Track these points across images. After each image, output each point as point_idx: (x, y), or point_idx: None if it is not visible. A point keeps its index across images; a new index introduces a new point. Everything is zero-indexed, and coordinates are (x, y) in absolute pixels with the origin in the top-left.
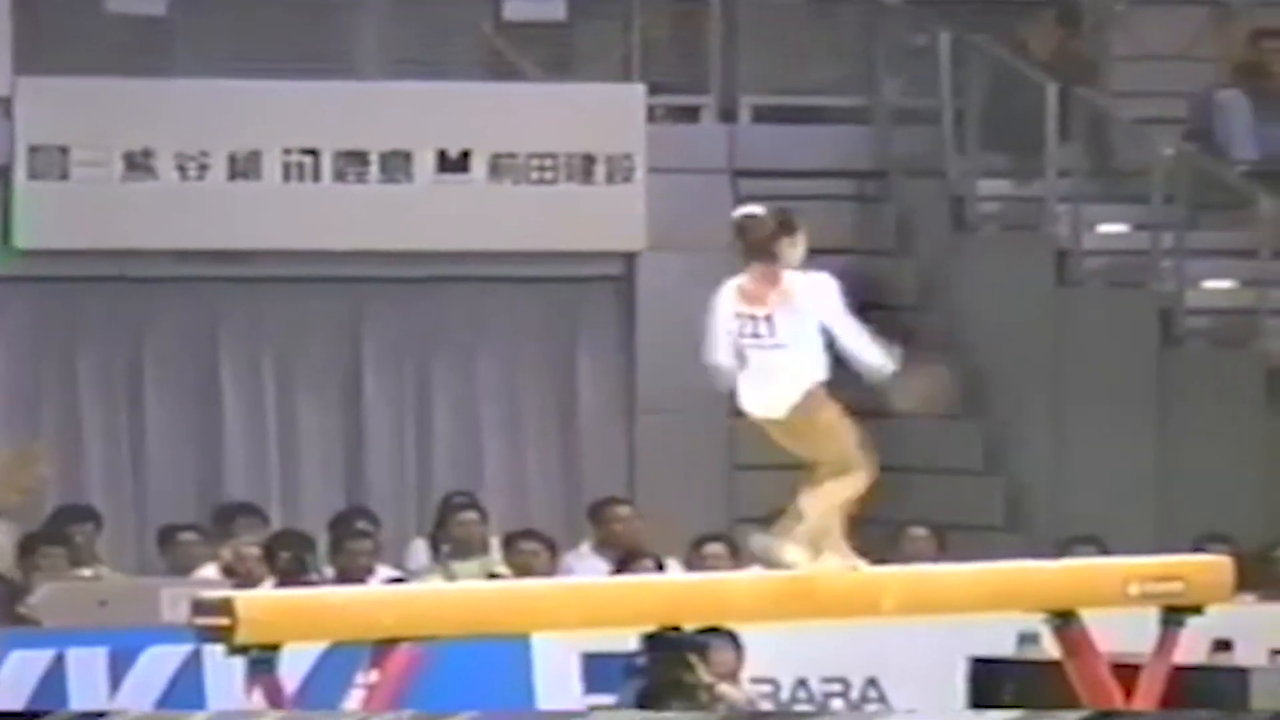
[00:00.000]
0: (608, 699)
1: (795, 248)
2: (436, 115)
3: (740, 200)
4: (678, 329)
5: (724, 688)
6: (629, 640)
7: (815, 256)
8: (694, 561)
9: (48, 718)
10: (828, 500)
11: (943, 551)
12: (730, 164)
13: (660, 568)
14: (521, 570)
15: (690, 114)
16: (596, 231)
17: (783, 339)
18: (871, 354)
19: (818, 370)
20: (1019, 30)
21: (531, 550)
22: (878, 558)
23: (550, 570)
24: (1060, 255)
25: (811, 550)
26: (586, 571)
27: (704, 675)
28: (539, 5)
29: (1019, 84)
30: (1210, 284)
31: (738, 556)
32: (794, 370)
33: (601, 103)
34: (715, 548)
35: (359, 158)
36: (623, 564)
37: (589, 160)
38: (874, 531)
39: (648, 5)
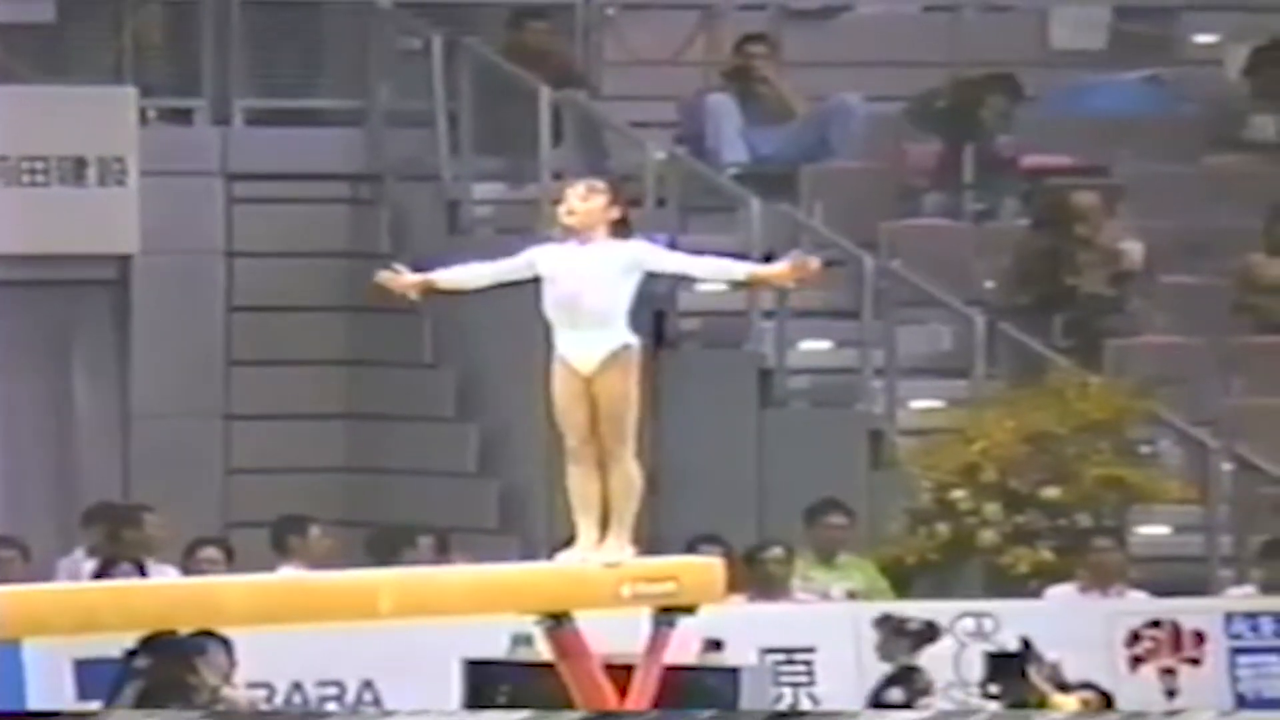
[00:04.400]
0: (100, 704)
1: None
2: None
3: (232, 202)
4: (172, 332)
5: (226, 690)
6: (123, 645)
7: (308, 259)
8: (189, 565)
9: (50, 718)
10: None
11: (445, 555)
12: (224, 167)
13: (141, 571)
14: None
15: (183, 116)
16: (89, 235)
17: None
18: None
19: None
20: (511, 34)
21: (6, 557)
22: (374, 561)
23: (27, 575)
24: None
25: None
26: (81, 577)
27: (208, 677)
28: (28, 6)
29: (512, 88)
30: (702, 287)
31: (233, 560)
32: None
33: (93, 105)
34: (210, 551)
35: None
36: (103, 568)
37: (80, 163)
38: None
39: (139, 7)
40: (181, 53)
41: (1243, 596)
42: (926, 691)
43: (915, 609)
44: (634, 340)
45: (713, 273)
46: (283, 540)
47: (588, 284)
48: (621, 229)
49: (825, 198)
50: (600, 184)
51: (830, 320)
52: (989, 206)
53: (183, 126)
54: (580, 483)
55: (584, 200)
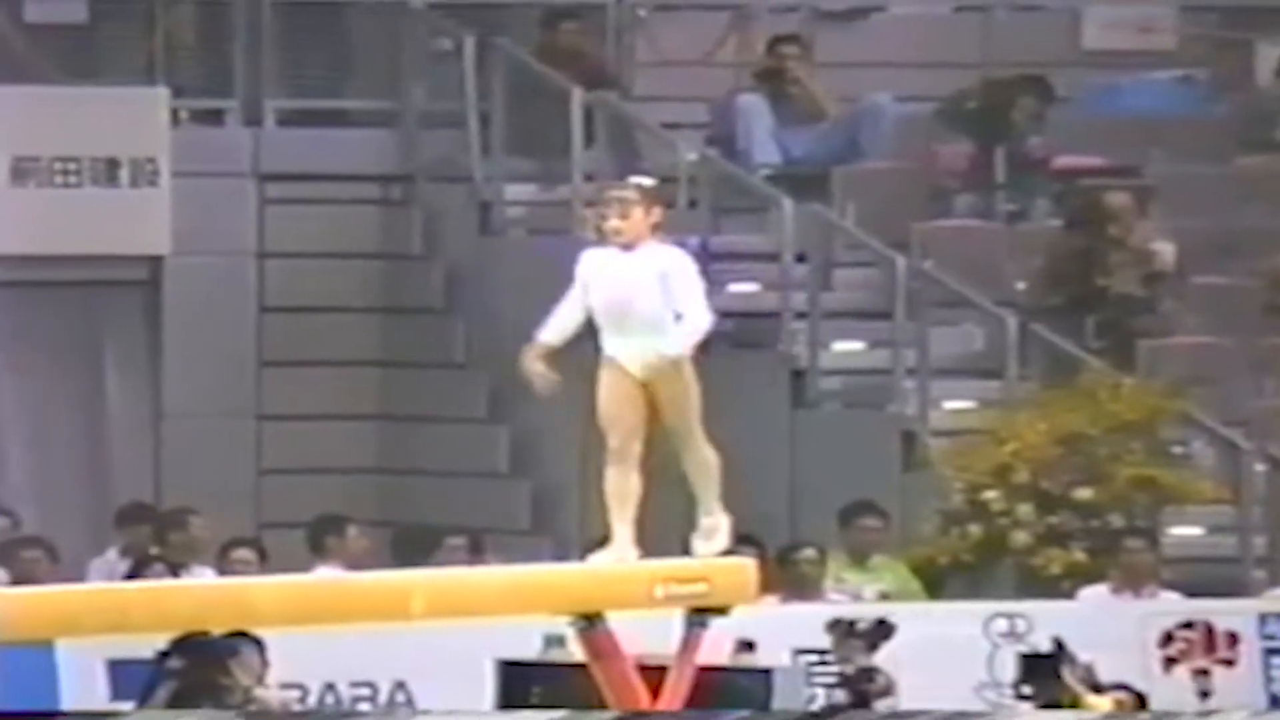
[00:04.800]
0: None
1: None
2: None
3: (264, 203)
4: (204, 332)
5: (259, 691)
6: (156, 646)
7: (340, 260)
8: (223, 566)
9: (48, 718)
10: None
11: (480, 555)
12: (255, 168)
13: (175, 573)
14: (23, 578)
15: (215, 117)
16: (121, 235)
17: None
18: None
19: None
20: (543, 35)
21: (32, 558)
22: (399, 561)
23: (56, 576)
24: None
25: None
26: (114, 578)
27: (241, 678)
28: (60, 7)
29: (543, 89)
30: (735, 288)
31: (266, 561)
32: None
33: (125, 106)
34: (243, 552)
35: None
36: (136, 569)
37: (113, 164)
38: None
39: (171, 8)
40: (213, 53)
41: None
42: (887, 692)
43: (948, 610)
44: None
45: (679, 327)
46: (320, 540)
47: (636, 291)
48: (659, 229)
49: (857, 198)
50: (630, 194)
51: (863, 321)
52: (1021, 207)
53: (214, 127)
54: (618, 483)
55: (624, 219)
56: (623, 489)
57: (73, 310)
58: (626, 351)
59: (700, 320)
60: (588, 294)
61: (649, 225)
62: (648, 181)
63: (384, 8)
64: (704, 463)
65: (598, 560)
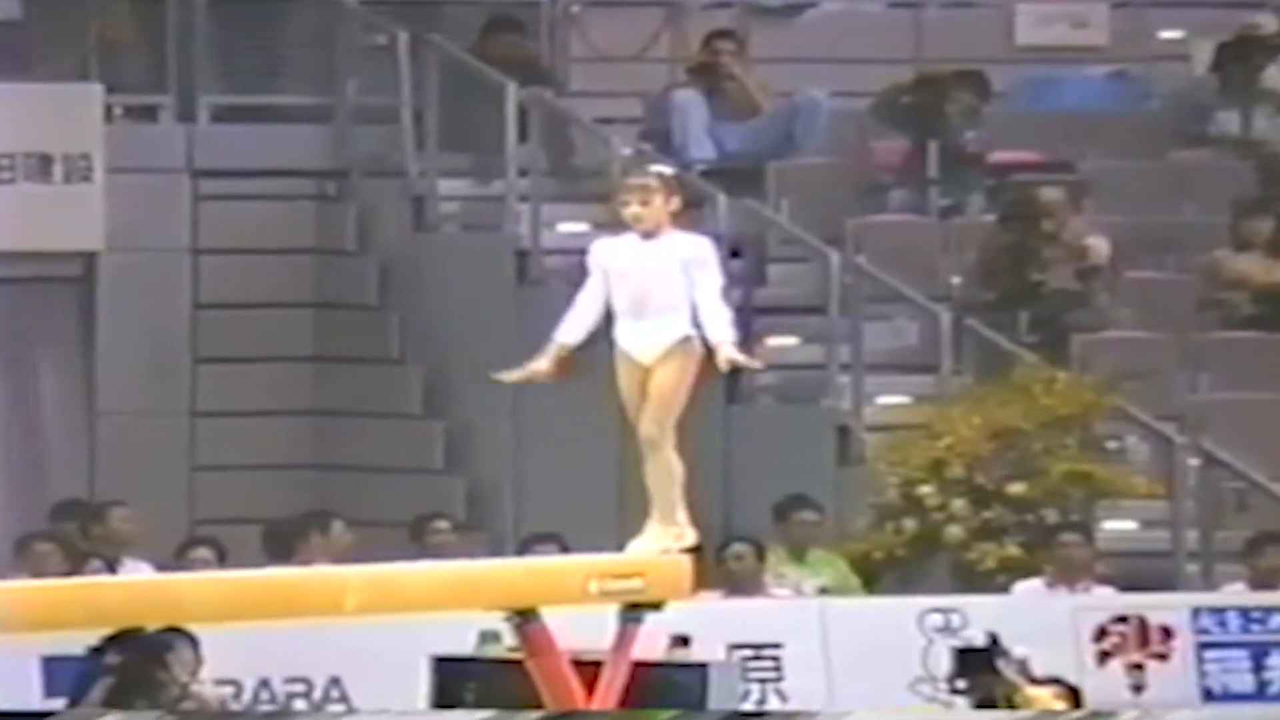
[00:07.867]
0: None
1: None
2: None
3: (198, 199)
4: (138, 329)
5: (197, 687)
6: (88, 643)
7: (274, 256)
8: (182, 565)
9: (48, 718)
10: None
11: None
12: (189, 164)
13: (112, 569)
14: None
15: (149, 113)
16: (55, 232)
17: None
18: None
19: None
20: (477, 31)
21: (202, 557)
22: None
23: None
24: (520, 254)
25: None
26: (43, 574)
27: (179, 674)
28: None
29: (477, 84)
30: None
31: (225, 560)
32: None
33: (58, 102)
34: (202, 552)
35: None
36: (73, 566)
37: (46, 160)
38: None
39: (105, 5)
40: (147, 49)
41: (1236, 593)
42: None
43: (883, 605)
44: (694, 332)
45: (709, 317)
46: (300, 536)
47: (656, 279)
48: (680, 219)
49: (791, 193)
50: (651, 181)
51: (797, 316)
52: (955, 202)
53: (148, 123)
54: (652, 472)
55: (645, 205)
56: (658, 477)
57: (6, 307)
58: (638, 338)
59: (724, 311)
60: (607, 283)
61: (668, 213)
62: (668, 170)
63: (318, 4)
64: (668, 464)
65: (633, 549)
